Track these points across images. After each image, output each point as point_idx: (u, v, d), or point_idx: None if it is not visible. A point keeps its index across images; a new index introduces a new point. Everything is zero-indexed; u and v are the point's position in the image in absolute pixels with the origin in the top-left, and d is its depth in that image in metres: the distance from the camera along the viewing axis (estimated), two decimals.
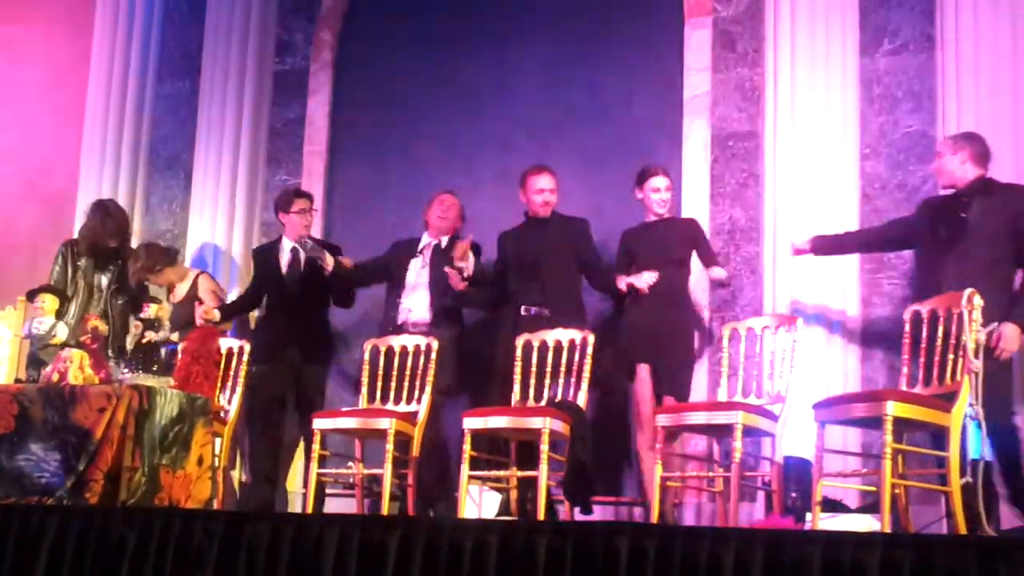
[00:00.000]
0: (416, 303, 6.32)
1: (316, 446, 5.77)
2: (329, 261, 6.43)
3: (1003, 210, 5.20)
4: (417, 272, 6.38)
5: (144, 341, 5.51)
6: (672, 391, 5.79)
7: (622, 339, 5.99)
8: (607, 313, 6.40)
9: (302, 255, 6.54)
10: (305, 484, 6.21)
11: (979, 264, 5.09)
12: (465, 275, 6.10)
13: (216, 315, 6.42)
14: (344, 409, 6.01)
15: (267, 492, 6.38)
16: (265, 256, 6.79)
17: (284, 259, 6.67)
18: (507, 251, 6.31)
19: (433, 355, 5.97)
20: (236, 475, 6.60)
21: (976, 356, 4.66)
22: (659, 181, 6.01)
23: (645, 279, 5.81)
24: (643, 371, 5.86)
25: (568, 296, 6.13)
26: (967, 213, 5.24)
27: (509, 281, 6.21)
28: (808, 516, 4.77)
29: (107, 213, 6.98)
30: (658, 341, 5.84)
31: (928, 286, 5.20)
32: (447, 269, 6.11)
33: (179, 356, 5.87)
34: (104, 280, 6.80)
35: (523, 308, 6.07)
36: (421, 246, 6.46)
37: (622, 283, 5.90)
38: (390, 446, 5.61)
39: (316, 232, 7.16)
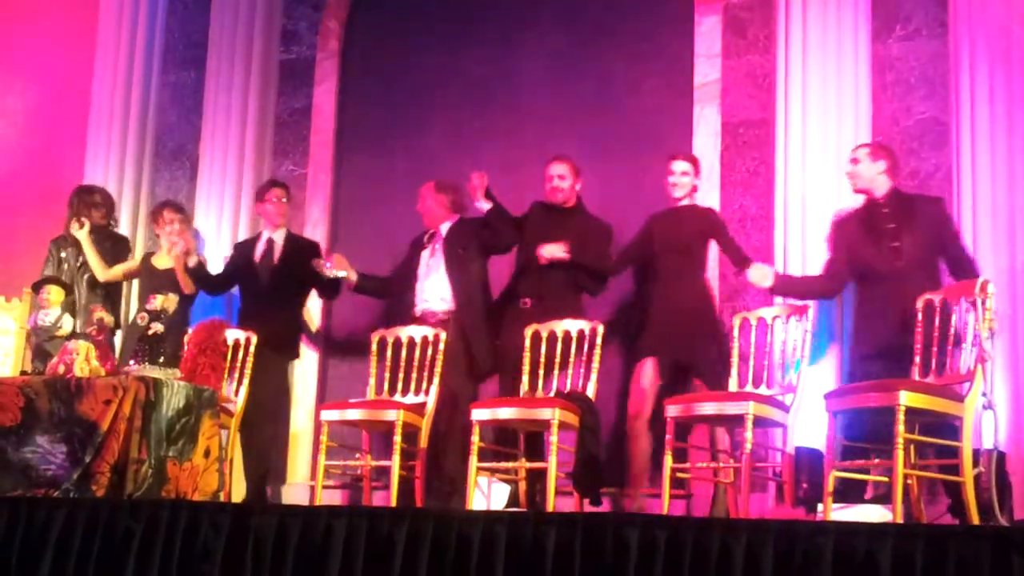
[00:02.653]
0: (430, 293, 6.27)
1: (324, 437, 5.74)
2: (352, 276, 6.46)
3: (922, 224, 5.36)
4: (427, 262, 6.35)
5: (150, 333, 5.46)
6: (707, 380, 5.70)
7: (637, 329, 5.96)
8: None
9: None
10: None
11: (913, 282, 5.17)
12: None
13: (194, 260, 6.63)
14: (352, 400, 5.98)
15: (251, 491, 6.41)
16: (242, 248, 6.90)
17: (259, 250, 6.76)
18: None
19: (441, 346, 5.94)
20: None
21: (990, 345, 4.62)
22: (675, 165, 5.98)
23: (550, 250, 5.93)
24: (650, 364, 5.79)
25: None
26: (891, 233, 5.41)
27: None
28: (819, 507, 4.73)
29: (102, 191, 7.15)
30: (680, 333, 5.76)
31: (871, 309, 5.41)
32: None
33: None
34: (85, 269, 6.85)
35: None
36: (426, 237, 6.45)
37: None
38: (398, 438, 5.58)
39: (323, 224, 7.17)
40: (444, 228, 6.41)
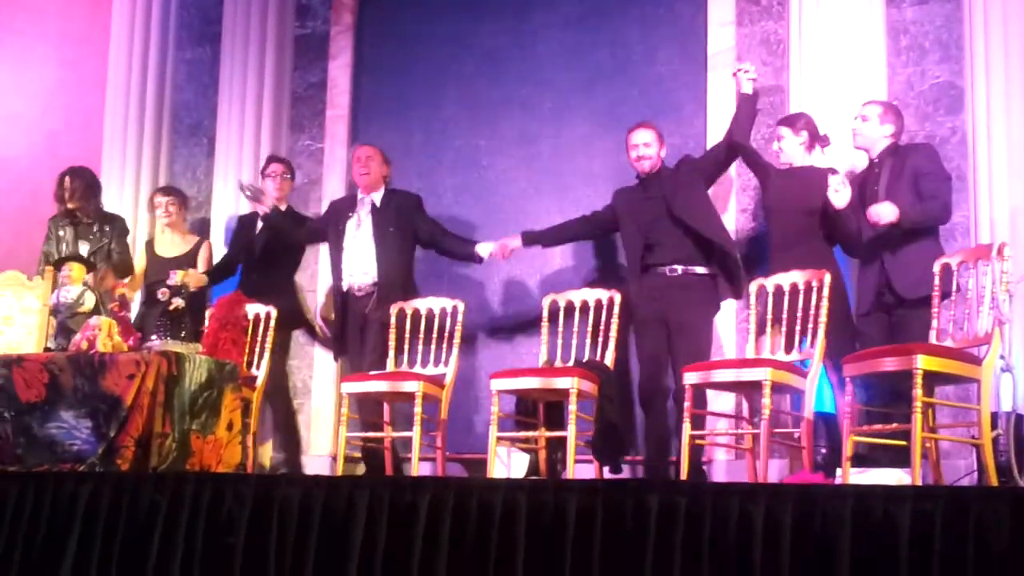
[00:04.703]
0: (355, 266, 6.31)
1: (345, 410, 5.80)
2: (267, 204, 6.54)
3: (908, 177, 5.39)
4: (353, 233, 6.37)
5: (171, 308, 5.51)
6: None
7: None
8: None
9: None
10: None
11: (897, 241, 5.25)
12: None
13: (204, 279, 6.61)
14: (372, 372, 6.02)
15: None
16: (244, 223, 6.92)
17: (258, 225, 6.79)
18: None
19: (460, 317, 5.98)
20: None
21: (1007, 308, 4.63)
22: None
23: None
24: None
25: None
26: (878, 186, 5.45)
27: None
28: (838, 471, 4.75)
29: (75, 177, 6.98)
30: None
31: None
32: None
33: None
34: (84, 249, 6.83)
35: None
36: (357, 206, 6.45)
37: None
38: (419, 409, 5.62)
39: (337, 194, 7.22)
40: (377, 198, 6.43)
